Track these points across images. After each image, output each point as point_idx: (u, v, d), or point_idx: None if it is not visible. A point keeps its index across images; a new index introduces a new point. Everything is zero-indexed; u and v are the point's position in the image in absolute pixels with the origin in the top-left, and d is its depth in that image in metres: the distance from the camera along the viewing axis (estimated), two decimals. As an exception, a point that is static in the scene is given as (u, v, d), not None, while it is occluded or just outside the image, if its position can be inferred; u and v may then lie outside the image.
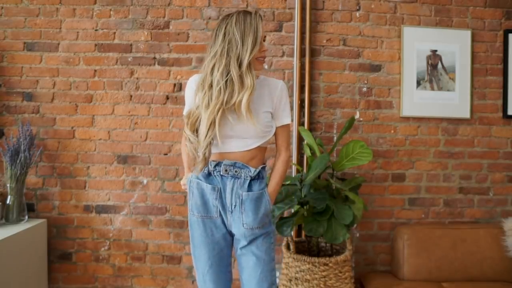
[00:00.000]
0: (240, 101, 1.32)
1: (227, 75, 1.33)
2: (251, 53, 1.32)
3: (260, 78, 1.47)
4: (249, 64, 1.33)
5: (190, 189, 1.45)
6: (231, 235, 1.47)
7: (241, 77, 1.33)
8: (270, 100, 1.45)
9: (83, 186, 2.23)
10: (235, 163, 1.40)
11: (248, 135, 1.40)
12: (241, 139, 1.40)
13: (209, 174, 1.42)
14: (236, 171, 1.40)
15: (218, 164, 1.41)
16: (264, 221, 1.43)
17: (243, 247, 1.43)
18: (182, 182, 1.57)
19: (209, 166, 1.41)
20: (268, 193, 1.45)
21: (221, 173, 1.40)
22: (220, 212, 1.42)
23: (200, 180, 1.43)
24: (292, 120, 1.90)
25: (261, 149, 1.46)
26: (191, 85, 1.47)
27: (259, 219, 1.40)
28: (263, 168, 1.45)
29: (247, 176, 1.40)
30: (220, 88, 1.32)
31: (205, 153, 1.37)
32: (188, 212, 1.47)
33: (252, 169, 1.40)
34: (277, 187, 1.49)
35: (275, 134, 1.50)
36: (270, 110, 1.45)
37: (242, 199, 1.39)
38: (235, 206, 1.40)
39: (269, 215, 1.46)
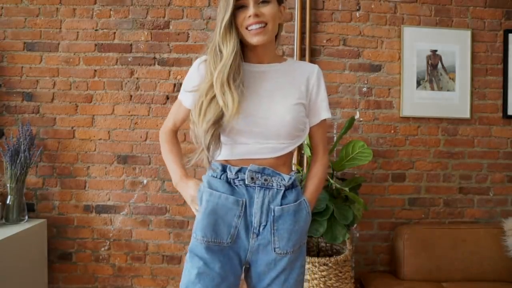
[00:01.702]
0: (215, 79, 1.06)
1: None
2: (222, 19, 1.08)
3: (288, 61, 1.22)
4: (225, 32, 1.08)
5: (199, 202, 1.13)
6: (246, 265, 1.14)
7: (215, 50, 1.10)
8: (305, 88, 1.17)
9: (83, 186, 2.23)
10: (263, 169, 1.09)
11: (276, 134, 1.10)
12: (268, 140, 1.11)
13: (228, 183, 1.10)
14: (266, 180, 1.09)
15: (240, 170, 1.09)
16: (302, 242, 1.14)
17: (269, 285, 1.11)
18: (189, 196, 1.18)
19: (228, 172, 1.10)
20: (308, 201, 1.15)
21: (246, 182, 1.08)
22: (237, 235, 1.09)
23: (215, 190, 1.10)
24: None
25: (291, 153, 1.18)
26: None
27: (296, 239, 1.11)
28: (295, 173, 1.17)
29: (280, 186, 1.10)
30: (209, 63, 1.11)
31: (206, 140, 1.06)
32: (193, 231, 1.13)
33: (286, 177, 1.11)
34: (315, 194, 1.21)
35: (310, 132, 1.22)
36: (303, 102, 1.15)
37: (274, 216, 1.09)
38: (264, 226, 1.09)
39: (307, 231, 1.17)
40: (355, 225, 2.15)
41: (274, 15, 1.10)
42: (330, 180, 1.91)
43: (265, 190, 1.09)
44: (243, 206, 1.09)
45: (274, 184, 1.10)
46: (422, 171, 2.29)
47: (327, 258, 1.86)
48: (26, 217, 2.07)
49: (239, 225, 1.09)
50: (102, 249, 2.23)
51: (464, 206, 2.31)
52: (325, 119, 1.22)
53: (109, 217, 2.23)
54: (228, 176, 1.10)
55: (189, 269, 1.09)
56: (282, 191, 1.11)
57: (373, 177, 2.28)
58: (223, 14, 1.08)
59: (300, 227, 1.12)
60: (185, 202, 2.22)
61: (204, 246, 1.08)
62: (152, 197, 2.23)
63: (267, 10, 1.09)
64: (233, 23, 1.09)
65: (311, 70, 1.20)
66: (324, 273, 1.86)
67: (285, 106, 1.11)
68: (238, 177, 1.09)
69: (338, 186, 1.88)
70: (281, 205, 1.10)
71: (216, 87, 1.06)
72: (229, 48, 1.07)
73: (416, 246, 2.08)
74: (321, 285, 1.87)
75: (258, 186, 1.09)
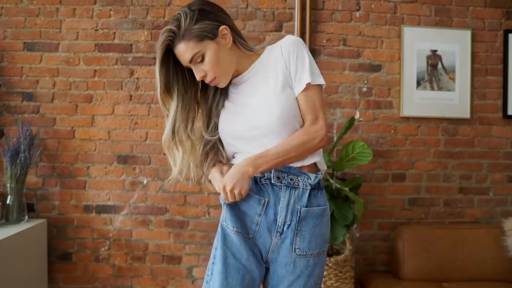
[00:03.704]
0: None
1: None
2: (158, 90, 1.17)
3: (265, 52, 1.19)
4: (163, 98, 1.16)
5: None
6: (266, 265, 1.14)
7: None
8: (283, 64, 1.11)
9: (83, 186, 2.23)
10: (289, 168, 1.10)
11: (276, 133, 1.09)
12: (271, 142, 1.09)
13: (255, 182, 1.10)
14: (291, 179, 1.10)
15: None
16: (321, 249, 1.13)
17: None
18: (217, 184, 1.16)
19: None
20: (248, 160, 1.06)
21: (272, 181, 1.10)
22: (259, 233, 1.11)
23: None
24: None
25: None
26: None
27: (317, 243, 1.11)
28: (321, 174, 1.15)
29: (306, 185, 1.10)
30: None
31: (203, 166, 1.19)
32: (220, 220, 1.16)
33: (312, 175, 1.10)
34: (274, 153, 1.06)
35: (298, 103, 1.11)
36: (288, 81, 1.11)
37: (300, 216, 1.09)
38: (288, 225, 1.09)
39: (327, 240, 1.16)
40: (355, 225, 2.15)
41: (216, 61, 1.10)
42: (330, 180, 1.91)
43: (291, 190, 1.10)
44: (265, 205, 1.10)
45: (300, 184, 1.10)
46: (422, 171, 2.29)
47: (327, 258, 1.87)
48: (26, 217, 2.06)
49: (260, 223, 1.10)
50: (102, 249, 2.23)
51: (464, 206, 2.31)
52: (310, 84, 1.09)
53: (109, 217, 2.23)
54: (255, 176, 1.10)
55: (216, 257, 1.11)
56: (308, 191, 1.10)
57: (373, 177, 2.28)
58: (157, 83, 1.12)
59: (321, 231, 1.12)
60: (185, 202, 2.22)
61: (234, 236, 1.10)
62: (152, 197, 2.23)
63: (207, 65, 1.10)
64: (172, 84, 1.13)
65: (281, 43, 1.14)
66: (324, 273, 1.86)
67: (270, 100, 1.09)
68: (264, 176, 1.10)
69: (338, 186, 1.88)
70: (306, 206, 1.10)
71: (164, 148, 1.17)
72: (171, 110, 1.14)
73: (416, 246, 2.08)
74: (321, 285, 1.87)
75: (284, 186, 1.09)
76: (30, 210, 2.19)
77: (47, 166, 2.22)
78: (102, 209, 2.23)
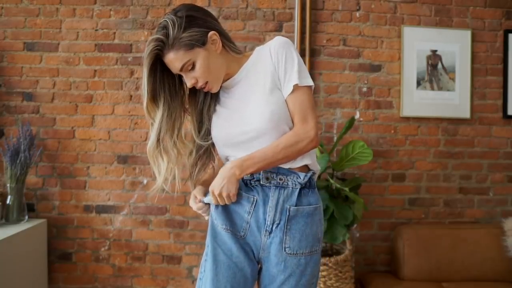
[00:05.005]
0: None
1: None
2: (144, 97, 1.16)
3: (254, 53, 1.18)
4: (150, 106, 1.14)
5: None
6: (259, 264, 1.15)
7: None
8: (272, 67, 1.10)
9: (83, 186, 2.23)
10: (278, 168, 1.09)
11: (268, 135, 1.08)
12: (262, 145, 1.08)
13: (244, 184, 1.11)
14: (280, 179, 1.09)
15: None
16: (314, 247, 1.12)
17: (279, 287, 1.10)
18: (191, 203, 1.19)
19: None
20: (238, 161, 1.06)
21: (261, 182, 1.09)
22: (250, 231, 1.11)
23: None
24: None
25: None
26: None
27: (308, 242, 1.10)
28: (314, 173, 1.14)
29: (295, 184, 1.09)
30: None
31: (192, 171, 1.19)
32: (210, 218, 1.17)
33: (302, 174, 1.10)
34: (258, 154, 1.05)
35: (288, 108, 1.10)
36: (277, 84, 1.10)
37: (289, 215, 1.08)
38: (277, 224, 1.09)
39: (320, 239, 1.15)
40: (355, 225, 2.15)
41: (207, 68, 1.09)
42: (330, 180, 1.91)
43: (280, 189, 1.10)
44: (254, 203, 1.10)
45: (290, 183, 1.10)
46: (422, 171, 2.29)
47: (327, 258, 1.87)
48: (26, 217, 2.06)
49: (250, 221, 1.10)
50: (102, 249, 2.23)
51: (464, 206, 2.31)
52: (298, 85, 1.07)
53: (109, 217, 2.23)
54: (244, 178, 1.10)
55: (208, 254, 1.13)
56: (298, 190, 1.10)
57: (373, 177, 2.28)
58: (143, 92, 1.10)
59: (313, 230, 1.11)
60: (185, 202, 2.23)
61: (225, 234, 1.11)
62: (152, 197, 2.23)
63: (197, 72, 1.09)
64: (158, 93, 1.11)
65: (270, 45, 1.13)
66: (324, 273, 1.87)
67: (260, 103, 1.09)
68: (253, 178, 1.10)
69: (338, 186, 1.88)
70: (296, 205, 1.09)
71: (149, 157, 1.15)
72: (157, 119, 1.12)
73: (416, 246, 2.08)
74: (321, 285, 1.87)
75: (273, 186, 1.10)
76: (30, 210, 2.19)
77: (47, 166, 2.22)
78: (102, 209, 2.23)
